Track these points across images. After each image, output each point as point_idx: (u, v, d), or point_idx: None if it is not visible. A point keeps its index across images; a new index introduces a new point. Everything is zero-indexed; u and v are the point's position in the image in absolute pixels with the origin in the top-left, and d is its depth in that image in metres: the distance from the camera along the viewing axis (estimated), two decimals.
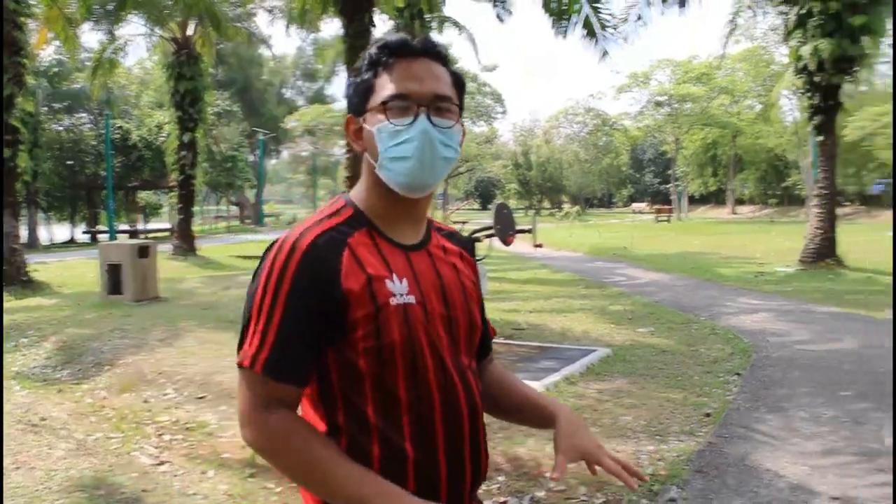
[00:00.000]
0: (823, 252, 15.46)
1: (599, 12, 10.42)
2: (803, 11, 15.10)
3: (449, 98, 1.42)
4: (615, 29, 10.57)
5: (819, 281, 13.63)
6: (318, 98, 61.44)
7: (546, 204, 67.66)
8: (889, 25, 16.60)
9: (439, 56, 1.44)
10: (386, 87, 1.39)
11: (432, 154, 1.37)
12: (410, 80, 1.38)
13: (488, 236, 6.78)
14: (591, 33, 10.62)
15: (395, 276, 1.37)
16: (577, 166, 62.07)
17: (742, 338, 8.37)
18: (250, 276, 1.40)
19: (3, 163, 10.91)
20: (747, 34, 42.41)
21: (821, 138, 15.56)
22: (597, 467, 1.48)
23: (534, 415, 1.60)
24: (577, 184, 64.32)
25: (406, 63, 1.40)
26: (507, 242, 6.69)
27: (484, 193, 70.86)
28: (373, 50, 1.43)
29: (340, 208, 1.43)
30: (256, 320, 1.33)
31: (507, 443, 4.73)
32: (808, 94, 15.55)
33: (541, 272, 16.47)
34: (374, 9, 10.02)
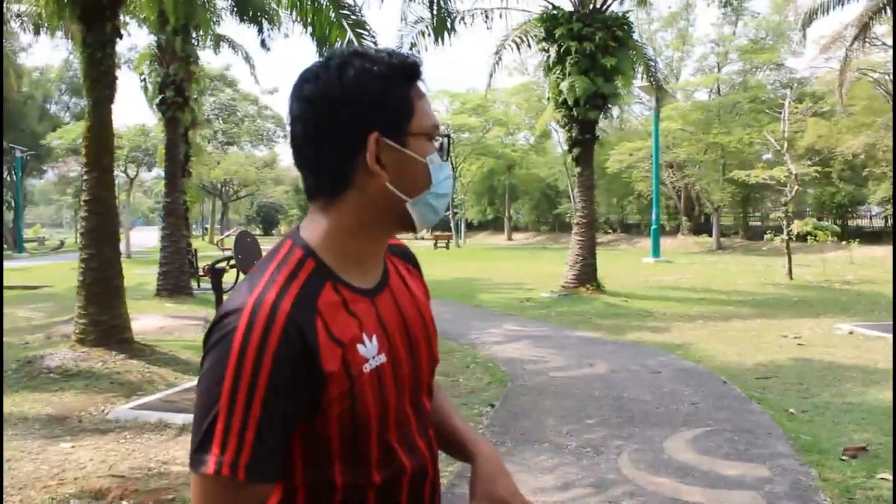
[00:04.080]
0: (584, 278, 16.27)
1: (362, 37, 10.29)
2: (562, 50, 15.95)
3: None
4: None
5: (578, 306, 14.28)
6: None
7: None
8: (639, 69, 17.99)
9: None
10: (427, 114, 1.24)
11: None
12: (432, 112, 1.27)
13: (231, 266, 6.32)
14: None
15: (365, 335, 1.21)
16: None
17: (500, 366, 8.44)
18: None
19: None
20: (520, 68, 44.66)
21: (579, 169, 16.45)
22: None
23: (457, 450, 1.51)
24: None
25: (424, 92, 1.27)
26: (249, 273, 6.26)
27: (266, 218, 69.26)
28: (409, 61, 1.23)
29: (300, 260, 1.20)
30: (228, 416, 1.08)
31: None
32: (568, 128, 16.42)
33: None
34: (120, 18, 9.26)
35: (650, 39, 40.32)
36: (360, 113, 1.19)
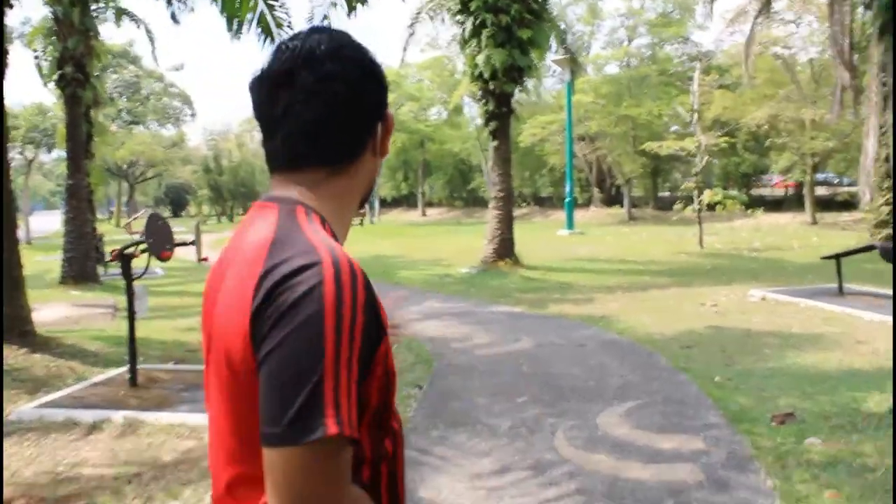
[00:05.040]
0: (502, 252, 16.25)
1: (274, 10, 9.89)
2: (478, 22, 15.77)
3: None
4: (291, 28, 10.05)
5: (498, 280, 14.25)
6: None
7: (239, 210, 65.79)
8: (552, 41, 17.98)
9: None
10: None
11: None
12: None
13: (143, 251, 5.95)
14: (266, 31, 10.04)
15: None
16: None
17: (425, 345, 8.27)
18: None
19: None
20: (433, 44, 44.35)
21: (495, 143, 16.37)
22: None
23: None
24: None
25: None
26: (162, 258, 5.90)
27: (175, 200, 67.13)
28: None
29: (322, 223, 1.15)
30: (336, 373, 0.98)
31: None
32: (484, 101, 16.29)
33: None
34: None
35: (561, 13, 40.55)
36: (384, 87, 1.25)
